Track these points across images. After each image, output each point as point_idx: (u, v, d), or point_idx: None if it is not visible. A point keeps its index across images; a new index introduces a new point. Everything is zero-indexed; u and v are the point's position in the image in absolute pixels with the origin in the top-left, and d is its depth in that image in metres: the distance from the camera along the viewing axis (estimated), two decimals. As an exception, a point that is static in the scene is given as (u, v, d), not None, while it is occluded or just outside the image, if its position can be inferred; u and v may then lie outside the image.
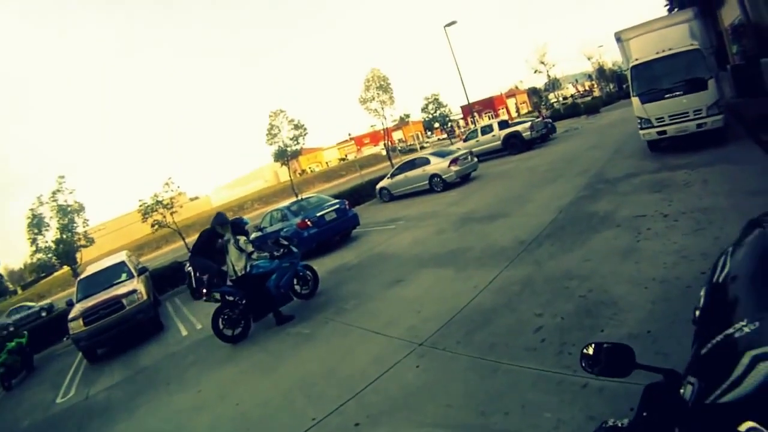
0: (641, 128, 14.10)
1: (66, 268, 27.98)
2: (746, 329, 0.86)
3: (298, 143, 35.74)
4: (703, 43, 13.95)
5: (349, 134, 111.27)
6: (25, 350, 15.35)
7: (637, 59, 14.26)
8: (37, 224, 25.31)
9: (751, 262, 1.01)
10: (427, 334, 6.91)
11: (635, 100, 14.09)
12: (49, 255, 26.68)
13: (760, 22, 17.39)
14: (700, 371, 1.00)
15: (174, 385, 8.89)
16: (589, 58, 75.73)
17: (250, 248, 10.00)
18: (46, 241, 25.87)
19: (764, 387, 0.78)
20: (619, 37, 15.74)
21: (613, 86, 65.33)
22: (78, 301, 14.39)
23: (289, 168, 36.96)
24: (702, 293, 1.15)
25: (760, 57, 15.34)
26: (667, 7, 30.11)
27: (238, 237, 9.99)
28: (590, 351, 1.43)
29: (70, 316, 13.26)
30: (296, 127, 35.38)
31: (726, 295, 1.01)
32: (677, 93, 13.06)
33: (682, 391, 1.13)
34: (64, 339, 15.12)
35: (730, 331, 0.90)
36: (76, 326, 12.80)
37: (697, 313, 1.16)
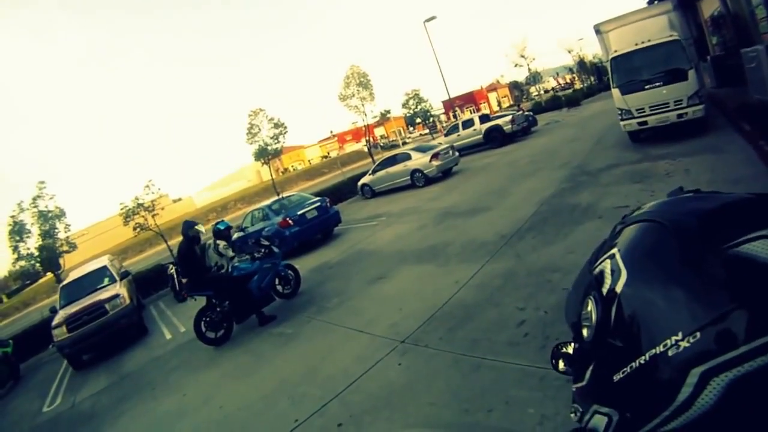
0: (622, 119, 14.08)
1: (50, 275, 27.73)
2: (683, 344, 0.76)
3: (278, 142, 35.56)
4: (682, 34, 13.95)
5: (331, 131, 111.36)
6: (10, 359, 15.17)
7: (616, 51, 14.24)
8: (18, 231, 25.06)
9: (660, 267, 0.89)
10: (409, 331, 6.86)
11: (615, 92, 14.06)
12: (32, 262, 26.44)
13: (739, 12, 17.46)
14: (617, 401, 0.92)
15: (159, 389, 8.80)
16: (569, 51, 76.15)
17: (230, 253, 9.93)
18: (28, 248, 25.63)
19: (723, 403, 0.72)
20: (598, 30, 15.74)
21: (594, 78, 65.62)
22: (61, 307, 14.25)
23: (270, 167, 36.80)
24: (590, 307, 1.01)
25: (739, 47, 15.38)
26: None
27: (218, 242, 9.91)
28: (569, 350, 1.32)
29: (54, 323, 13.17)
30: (276, 125, 35.23)
31: (634, 309, 0.89)
32: (657, 84, 13.06)
33: (585, 423, 1.05)
34: (50, 347, 14.92)
35: (659, 350, 0.80)
36: (59, 333, 12.69)
37: (586, 332, 1.03)
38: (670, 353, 0.78)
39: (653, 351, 0.81)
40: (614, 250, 0.98)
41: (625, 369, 0.86)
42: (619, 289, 0.91)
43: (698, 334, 0.74)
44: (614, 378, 0.89)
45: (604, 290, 0.95)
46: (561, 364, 1.33)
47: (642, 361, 0.83)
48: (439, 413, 4.74)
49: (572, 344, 1.30)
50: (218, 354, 9.34)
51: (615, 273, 0.94)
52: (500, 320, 6.23)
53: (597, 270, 1.02)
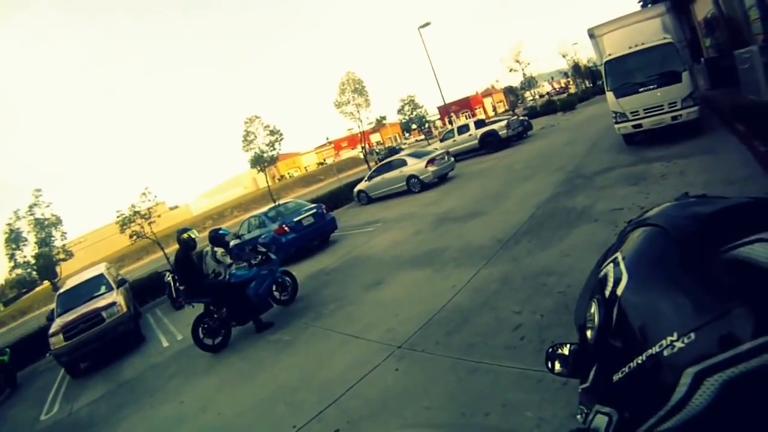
0: (616, 122, 14.11)
1: (46, 283, 27.73)
2: (678, 344, 0.77)
3: (274, 149, 35.68)
4: (676, 37, 14.01)
5: (327, 138, 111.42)
6: (7, 368, 15.13)
7: (610, 54, 14.29)
8: (14, 239, 25.08)
9: (659, 270, 0.90)
10: (405, 337, 6.86)
11: (610, 95, 14.11)
12: (29, 270, 26.43)
13: (732, 14, 17.55)
14: (616, 400, 0.93)
15: (156, 396, 8.79)
16: (564, 56, 76.18)
17: (228, 260, 9.96)
18: (25, 256, 25.64)
19: (716, 405, 0.73)
20: (592, 34, 15.79)
21: (588, 82, 65.68)
22: (58, 315, 14.21)
23: (266, 174, 36.85)
24: (593, 310, 1.03)
25: (732, 49, 15.47)
26: (641, 3, 30.38)
27: (215, 249, 9.93)
28: (565, 351, 1.34)
29: (51, 331, 13.15)
30: (272, 132, 35.39)
31: (633, 311, 0.91)
32: (651, 86, 13.10)
33: (589, 423, 1.07)
34: (47, 355, 14.90)
35: (655, 350, 0.81)
36: (56, 341, 12.65)
37: (590, 333, 1.05)
38: (665, 353, 0.79)
39: (650, 351, 0.81)
40: (618, 254, 1.00)
41: (624, 369, 0.88)
42: (619, 292, 0.93)
43: (693, 335, 0.75)
44: (614, 378, 0.91)
45: (607, 293, 0.97)
46: (557, 366, 1.35)
47: (639, 361, 0.84)
48: (436, 417, 4.74)
49: (567, 346, 1.32)
50: (216, 361, 9.33)
51: (617, 276, 0.95)
52: (497, 324, 6.23)
53: (602, 273, 1.03)
